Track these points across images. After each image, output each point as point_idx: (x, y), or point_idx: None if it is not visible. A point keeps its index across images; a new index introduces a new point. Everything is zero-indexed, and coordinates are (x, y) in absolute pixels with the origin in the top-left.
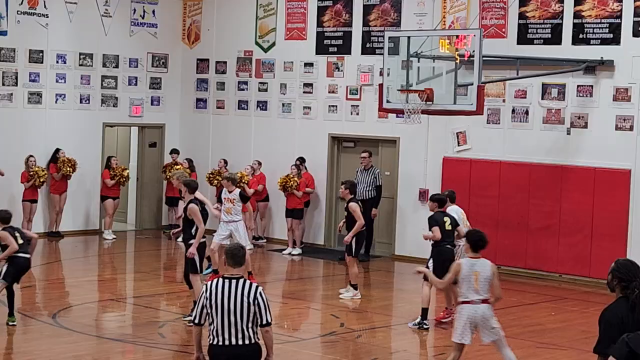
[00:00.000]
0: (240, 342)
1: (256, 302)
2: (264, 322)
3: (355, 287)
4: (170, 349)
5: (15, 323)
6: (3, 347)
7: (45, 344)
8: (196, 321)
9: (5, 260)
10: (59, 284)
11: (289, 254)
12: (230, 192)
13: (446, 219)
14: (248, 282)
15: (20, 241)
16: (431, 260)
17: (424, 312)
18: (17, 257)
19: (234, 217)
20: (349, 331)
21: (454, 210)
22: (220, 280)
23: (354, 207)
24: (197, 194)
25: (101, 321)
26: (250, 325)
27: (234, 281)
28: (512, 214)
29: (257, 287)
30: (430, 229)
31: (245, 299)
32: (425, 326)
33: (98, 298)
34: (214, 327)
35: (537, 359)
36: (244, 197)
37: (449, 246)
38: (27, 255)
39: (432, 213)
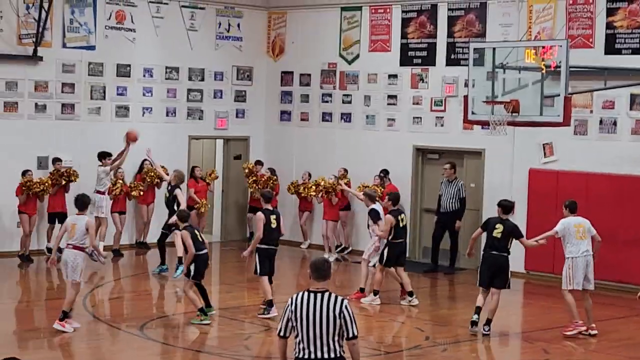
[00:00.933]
0: (326, 356)
1: (342, 315)
2: (350, 335)
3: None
4: None
5: (213, 312)
6: (93, 357)
7: (133, 356)
8: (281, 334)
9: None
10: (146, 296)
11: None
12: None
13: (498, 225)
14: (333, 295)
15: (200, 239)
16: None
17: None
18: (199, 255)
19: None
20: (434, 345)
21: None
22: (306, 293)
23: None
24: None
25: (187, 333)
26: (336, 338)
27: (319, 295)
28: (600, 226)
29: (342, 300)
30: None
31: (331, 312)
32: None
33: (184, 310)
34: (299, 340)
35: None
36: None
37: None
38: (206, 251)
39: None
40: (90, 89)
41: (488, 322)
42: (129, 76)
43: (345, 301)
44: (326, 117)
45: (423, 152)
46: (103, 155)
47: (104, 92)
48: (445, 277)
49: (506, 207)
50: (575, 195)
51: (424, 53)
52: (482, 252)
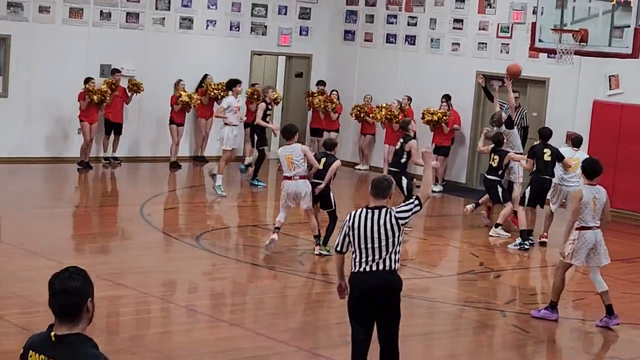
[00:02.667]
0: (380, 267)
1: (397, 218)
2: (418, 202)
3: (526, 234)
4: (309, 277)
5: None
6: (147, 265)
7: (187, 264)
8: (338, 249)
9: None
10: (202, 207)
11: (431, 190)
12: None
13: (546, 150)
14: (390, 210)
15: None
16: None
17: (522, 233)
18: None
19: None
20: (488, 271)
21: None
22: (364, 210)
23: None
24: None
25: (241, 246)
26: (393, 252)
27: (376, 211)
28: None
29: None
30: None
31: (388, 224)
32: (525, 247)
33: (239, 223)
34: (356, 256)
35: None
36: None
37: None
38: None
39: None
40: None
41: (530, 232)
42: None
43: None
44: (390, 38)
45: (487, 79)
46: (233, 84)
47: (169, 2)
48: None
49: (546, 135)
50: (638, 129)
51: None
52: (530, 177)
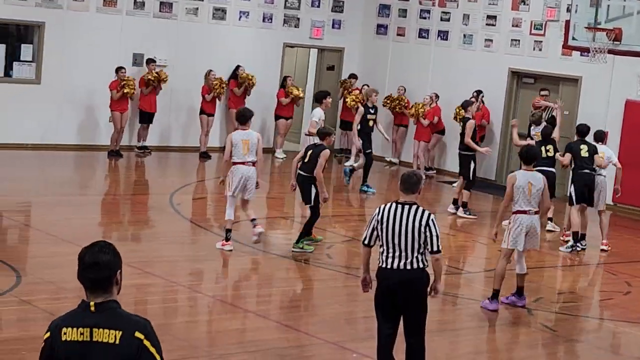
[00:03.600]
0: (408, 267)
1: (427, 228)
2: (434, 249)
3: (578, 238)
4: (336, 270)
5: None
6: (175, 254)
7: (214, 255)
8: (365, 242)
9: None
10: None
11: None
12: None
13: (582, 146)
14: (421, 208)
15: None
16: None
17: (575, 235)
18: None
19: None
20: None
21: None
22: (393, 204)
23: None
24: None
25: (269, 237)
26: (421, 250)
27: (406, 207)
28: None
29: (429, 214)
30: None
31: (416, 224)
32: (578, 249)
33: (267, 215)
34: (383, 250)
35: None
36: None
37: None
38: None
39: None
40: None
41: (583, 236)
42: None
43: (432, 215)
44: (423, 33)
45: (518, 76)
46: (323, 96)
47: None
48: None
49: (584, 131)
50: None
51: None
52: (571, 174)
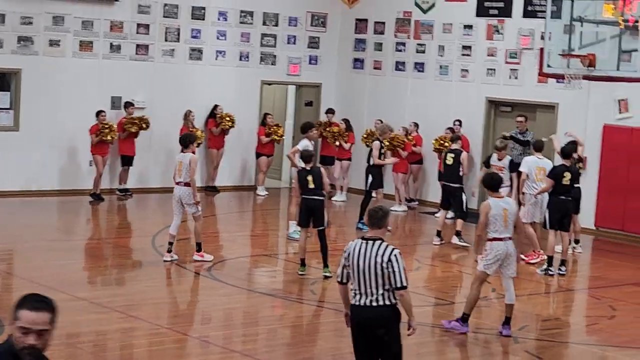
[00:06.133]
0: (374, 304)
1: (390, 264)
2: (398, 285)
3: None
4: (320, 306)
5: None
6: (159, 296)
7: (200, 296)
8: (339, 279)
9: None
10: (214, 238)
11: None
12: (500, 159)
13: (566, 173)
14: (385, 244)
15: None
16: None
17: (549, 259)
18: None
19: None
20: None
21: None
22: (360, 241)
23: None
24: None
25: (253, 275)
26: (386, 287)
27: (370, 242)
28: None
29: (392, 250)
30: None
31: (379, 260)
32: (551, 272)
33: (251, 253)
34: (353, 287)
35: None
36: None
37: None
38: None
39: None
40: (165, 31)
41: (563, 262)
42: (204, 19)
43: (396, 251)
44: (399, 66)
45: (496, 105)
46: (308, 127)
47: (178, 34)
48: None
49: (566, 152)
50: None
51: (501, 4)
52: (549, 197)
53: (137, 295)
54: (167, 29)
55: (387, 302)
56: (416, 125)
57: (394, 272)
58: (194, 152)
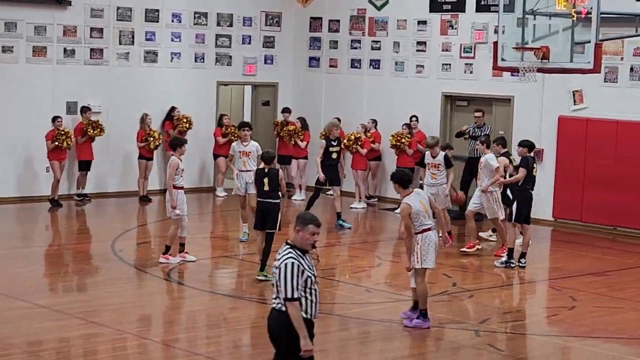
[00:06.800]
0: (273, 305)
1: (278, 271)
2: (282, 295)
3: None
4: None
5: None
6: (121, 301)
7: (162, 299)
8: None
9: None
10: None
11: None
12: (434, 157)
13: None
14: (285, 249)
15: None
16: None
17: (510, 251)
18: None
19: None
20: (462, 291)
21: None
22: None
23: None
24: None
25: (215, 277)
26: (280, 293)
27: (283, 245)
28: (629, 174)
29: (286, 258)
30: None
31: (275, 264)
32: (511, 265)
33: (211, 255)
34: None
35: None
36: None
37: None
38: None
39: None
40: (119, 34)
41: (523, 255)
42: (157, 21)
43: (288, 260)
44: (355, 63)
45: (452, 99)
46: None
47: (133, 37)
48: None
49: (532, 147)
50: (603, 142)
51: None
52: (514, 190)
53: (98, 300)
54: (121, 32)
55: (277, 307)
56: (374, 122)
57: (279, 280)
58: (181, 155)
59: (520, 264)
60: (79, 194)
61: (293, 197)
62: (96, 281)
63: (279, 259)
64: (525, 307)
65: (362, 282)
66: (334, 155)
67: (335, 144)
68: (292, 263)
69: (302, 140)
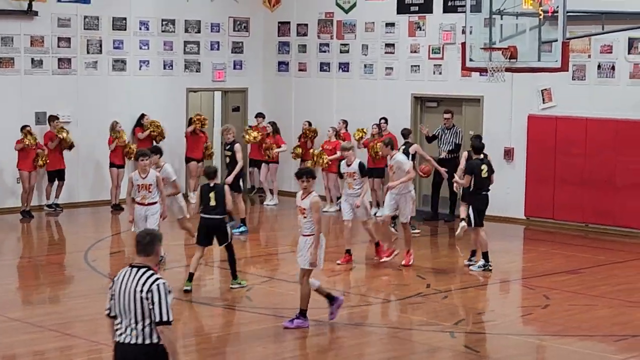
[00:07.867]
0: (133, 341)
1: (150, 295)
2: (157, 319)
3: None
4: (257, 312)
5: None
6: (95, 312)
7: None
8: (107, 312)
9: None
10: None
11: (374, 214)
12: (348, 165)
13: (483, 167)
14: (149, 273)
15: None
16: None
17: (485, 255)
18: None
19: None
20: (436, 292)
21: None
22: (128, 268)
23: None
24: None
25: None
26: (145, 322)
27: (135, 270)
28: (598, 171)
29: (156, 279)
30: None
31: (138, 291)
32: (489, 268)
33: (186, 262)
34: (116, 322)
35: (626, 317)
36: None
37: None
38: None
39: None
40: (87, 43)
41: (473, 253)
42: (125, 29)
43: (159, 281)
44: (324, 67)
45: (421, 100)
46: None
47: (100, 46)
48: (445, 224)
49: (480, 148)
50: (573, 140)
51: (421, 1)
52: (469, 194)
53: (72, 312)
54: (89, 41)
55: (149, 341)
56: (345, 122)
57: (153, 304)
58: (140, 168)
59: (470, 262)
60: (50, 205)
61: (265, 202)
62: (69, 292)
63: (143, 283)
64: (500, 307)
65: (336, 287)
66: (227, 160)
67: (227, 148)
68: (164, 283)
69: (274, 149)
